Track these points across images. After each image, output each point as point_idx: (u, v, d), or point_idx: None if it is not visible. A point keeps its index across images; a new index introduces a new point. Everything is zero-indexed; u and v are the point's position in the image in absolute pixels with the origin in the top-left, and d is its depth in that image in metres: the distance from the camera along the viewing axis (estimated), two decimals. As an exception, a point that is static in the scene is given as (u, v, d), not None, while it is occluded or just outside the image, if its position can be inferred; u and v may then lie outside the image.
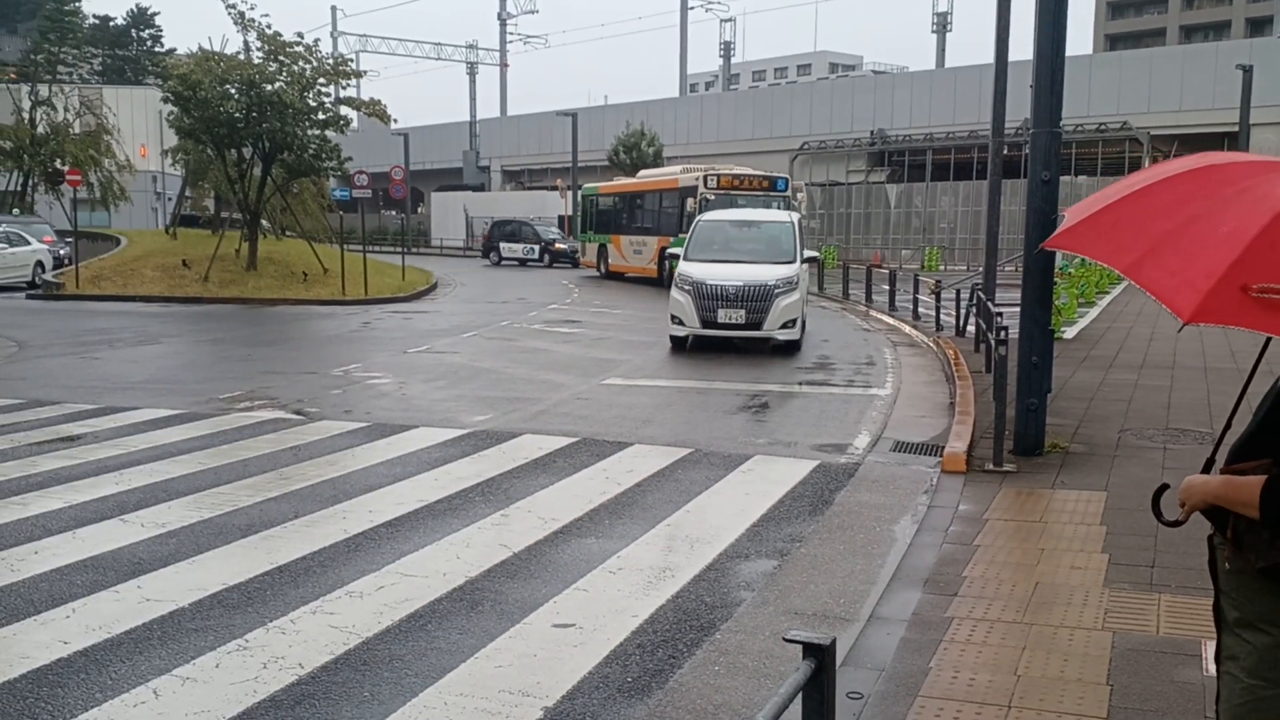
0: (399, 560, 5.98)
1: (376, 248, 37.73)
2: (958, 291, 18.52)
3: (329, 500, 7.28)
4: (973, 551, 6.07)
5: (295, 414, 10.61)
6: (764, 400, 11.63)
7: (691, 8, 47.60)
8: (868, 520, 6.94)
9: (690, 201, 27.49)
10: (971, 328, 15.79)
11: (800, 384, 12.75)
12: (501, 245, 44.48)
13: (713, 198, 26.34)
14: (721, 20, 71.25)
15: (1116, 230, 2.53)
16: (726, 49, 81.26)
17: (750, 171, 28.96)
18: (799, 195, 25.88)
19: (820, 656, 2.49)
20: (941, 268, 41.45)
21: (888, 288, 22.73)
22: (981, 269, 17.40)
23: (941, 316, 18.25)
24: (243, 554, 6.11)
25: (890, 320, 20.56)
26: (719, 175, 27.67)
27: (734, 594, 5.57)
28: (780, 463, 8.61)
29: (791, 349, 15.53)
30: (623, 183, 36.31)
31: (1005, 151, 16.45)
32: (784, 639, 2.63)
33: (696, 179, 27.75)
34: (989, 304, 12.98)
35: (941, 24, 68.40)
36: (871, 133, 51.69)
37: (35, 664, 4.56)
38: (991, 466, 8.05)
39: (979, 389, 10.98)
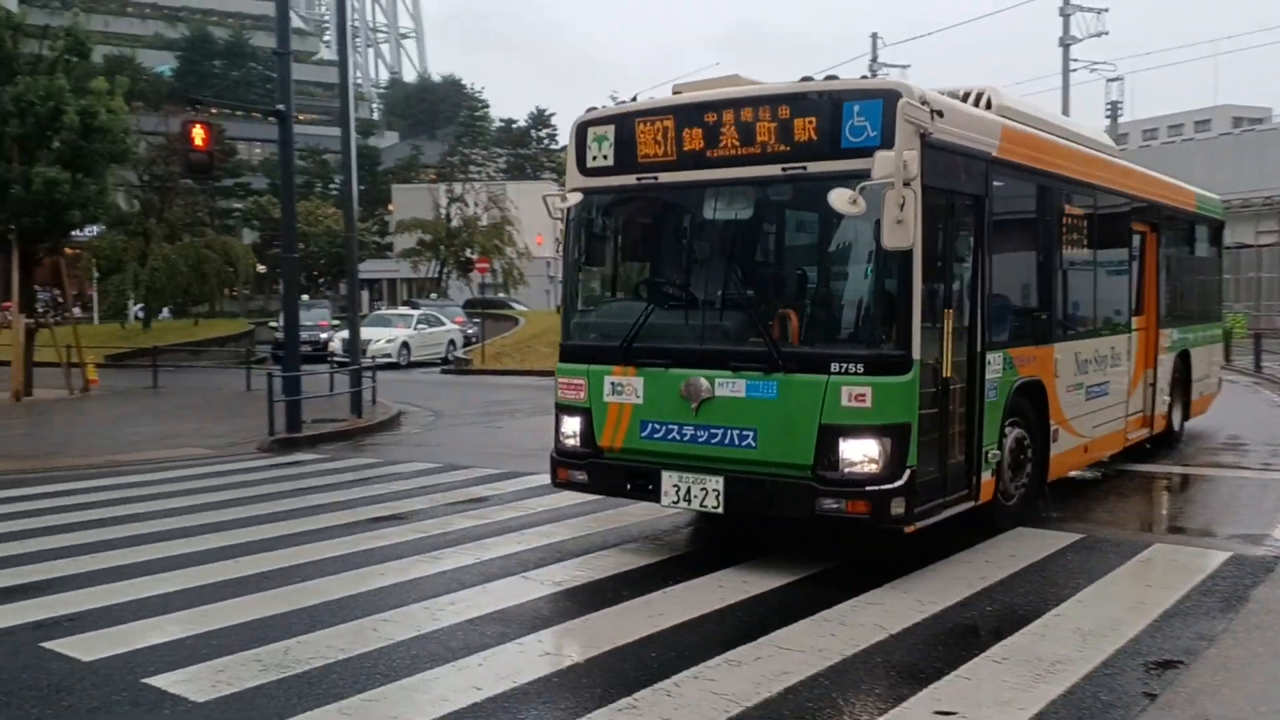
0: (773, 633, 6.04)
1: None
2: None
3: (703, 566, 7.49)
4: None
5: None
6: (1165, 484, 10.69)
7: (1074, 69, 45.44)
8: (1294, 622, 6.18)
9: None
10: None
11: (1207, 465, 11.62)
12: None
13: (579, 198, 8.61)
14: (1108, 80, 67.14)
15: None
16: (1113, 108, 76.69)
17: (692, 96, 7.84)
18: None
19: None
20: (1377, 337, 36.38)
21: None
22: None
23: (1381, 393, 16.01)
24: (630, 613, 6.43)
25: (1315, 397, 18.31)
26: (597, 118, 8.27)
27: (1133, 693, 5.13)
28: (1185, 552, 7.87)
29: None
30: None
31: None
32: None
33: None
34: None
35: (1372, 64, 60.82)
36: (1286, 189, 46.63)
37: (454, 706, 5.02)
38: None
39: None
